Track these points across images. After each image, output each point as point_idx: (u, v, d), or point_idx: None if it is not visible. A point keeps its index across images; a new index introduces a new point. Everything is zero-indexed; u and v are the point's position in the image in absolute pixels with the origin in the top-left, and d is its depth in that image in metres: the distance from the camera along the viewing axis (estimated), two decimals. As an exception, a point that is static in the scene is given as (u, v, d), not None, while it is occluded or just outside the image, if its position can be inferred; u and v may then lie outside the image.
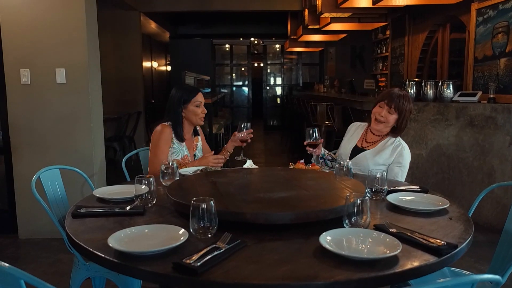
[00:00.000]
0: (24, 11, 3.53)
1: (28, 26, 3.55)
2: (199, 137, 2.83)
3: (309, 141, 2.38)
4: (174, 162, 2.05)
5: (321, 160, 2.48)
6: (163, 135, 2.56)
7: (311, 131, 2.38)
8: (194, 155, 2.72)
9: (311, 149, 2.42)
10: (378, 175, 1.77)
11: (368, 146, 2.55)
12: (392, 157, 2.46)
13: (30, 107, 3.62)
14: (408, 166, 2.49)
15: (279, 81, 12.66)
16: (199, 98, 2.66)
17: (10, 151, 3.70)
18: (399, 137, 2.54)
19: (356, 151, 2.57)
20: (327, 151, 2.56)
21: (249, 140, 2.59)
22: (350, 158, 2.52)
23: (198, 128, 2.83)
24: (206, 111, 2.72)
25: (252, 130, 2.59)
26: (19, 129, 3.65)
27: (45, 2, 3.53)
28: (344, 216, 1.40)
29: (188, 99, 2.63)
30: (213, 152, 2.72)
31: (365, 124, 2.69)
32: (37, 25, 3.55)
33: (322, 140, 2.44)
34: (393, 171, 2.44)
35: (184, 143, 2.65)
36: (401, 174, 2.45)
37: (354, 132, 2.69)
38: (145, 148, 3.01)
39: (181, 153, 2.61)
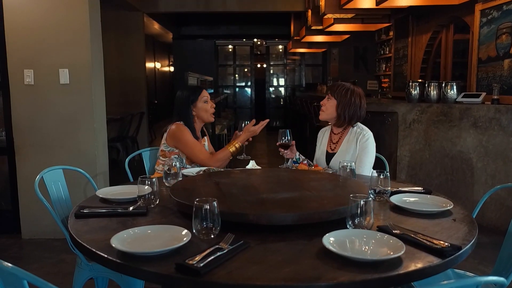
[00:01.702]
0: (28, 11, 3.54)
1: (32, 26, 3.56)
2: (206, 138, 2.87)
3: (281, 142, 2.42)
4: (178, 163, 2.06)
5: (296, 165, 2.49)
6: (185, 130, 2.60)
7: (283, 133, 2.41)
8: None
9: (283, 150, 2.45)
10: (381, 177, 1.76)
11: (335, 148, 2.56)
12: (357, 147, 2.47)
13: (34, 107, 3.63)
14: (372, 150, 2.47)
15: (282, 82, 12.66)
16: (205, 94, 2.73)
17: (13, 151, 3.71)
18: (358, 125, 2.54)
19: (328, 157, 2.58)
20: (303, 157, 2.58)
21: (250, 139, 2.63)
22: (327, 165, 2.56)
23: (203, 130, 2.86)
24: (215, 105, 2.79)
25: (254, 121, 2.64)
26: (23, 130, 3.66)
27: (49, 3, 3.54)
28: (347, 217, 1.39)
29: (195, 97, 2.68)
30: (254, 122, 2.67)
31: (329, 126, 2.71)
32: (41, 26, 3.56)
33: (294, 142, 2.46)
34: (358, 157, 2.45)
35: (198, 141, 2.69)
36: (365, 156, 2.43)
37: (323, 138, 2.70)
38: (148, 149, 3.02)
39: None
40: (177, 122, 2.65)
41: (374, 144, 2.49)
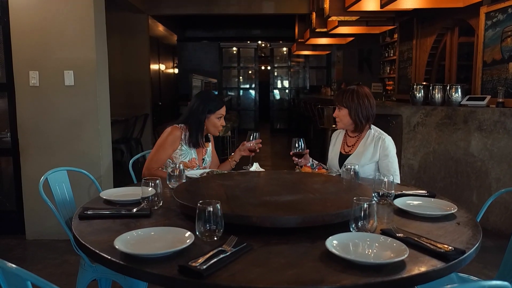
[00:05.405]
0: (33, 13, 3.56)
1: (37, 28, 3.58)
2: (209, 143, 2.83)
3: (295, 151, 2.43)
4: (181, 165, 2.06)
5: (314, 171, 2.48)
6: (171, 137, 2.55)
7: (296, 141, 2.43)
8: (203, 159, 2.71)
9: (297, 159, 2.46)
10: (385, 179, 1.76)
11: (350, 151, 2.56)
12: (377, 153, 2.46)
13: (39, 109, 3.65)
14: (395, 155, 2.48)
15: (286, 84, 12.67)
16: (223, 111, 2.66)
17: (18, 152, 3.72)
18: (375, 129, 2.55)
19: (342, 158, 2.57)
20: (316, 162, 2.57)
21: (258, 150, 2.60)
22: (339, 166, 2.55)
23: (209, 135, 2.82)
24: (224, 124, 2.71)
25: (261, 140, 2.60)
26: (28, 131, 3.68)
27: (54, 4, 3.56)
28: (350, 220, 1.39)
29: (213, 110, 2.61)
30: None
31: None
32: (46, 28, 3.58)
33: (308, 150, 2.46)
34: (382, 166, 2.45)
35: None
36: (392, 166, 2.44)
37: (337, 140, 2.70)
38: (152, 150, 3.02)
39: (189, 155, 2.60)
40: (176, 125, 2.59)
41: (395, 149, 2.49)
